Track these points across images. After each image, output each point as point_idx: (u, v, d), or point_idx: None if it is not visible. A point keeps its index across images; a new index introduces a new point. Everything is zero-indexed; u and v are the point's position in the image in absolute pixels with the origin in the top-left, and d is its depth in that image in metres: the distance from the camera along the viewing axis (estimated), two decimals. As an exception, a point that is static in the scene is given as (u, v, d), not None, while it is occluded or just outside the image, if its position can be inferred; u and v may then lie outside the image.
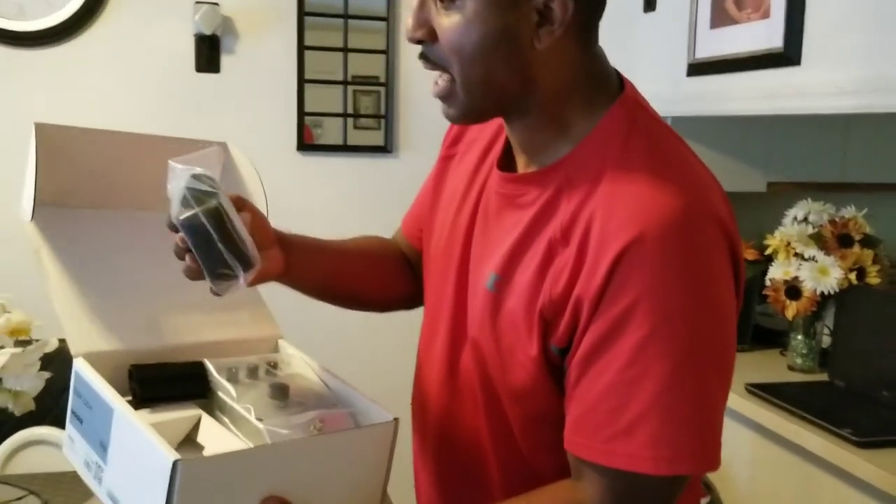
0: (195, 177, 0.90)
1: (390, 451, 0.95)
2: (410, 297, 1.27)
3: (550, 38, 0.91)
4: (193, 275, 0.95)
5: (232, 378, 1.02)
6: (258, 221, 1.02)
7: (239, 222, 0.92)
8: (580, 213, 0.92)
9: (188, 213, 0.90)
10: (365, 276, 1.27)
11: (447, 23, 0.92)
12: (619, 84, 1.01)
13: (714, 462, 0.90)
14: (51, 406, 1.55)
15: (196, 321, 1.09)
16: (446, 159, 1.18)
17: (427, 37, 0.94)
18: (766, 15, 2.02)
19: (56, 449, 1.72)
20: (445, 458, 1.11)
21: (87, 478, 0.96)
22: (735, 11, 2.15)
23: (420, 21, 0.94)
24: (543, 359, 0.95)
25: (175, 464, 0.81)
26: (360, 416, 0.99)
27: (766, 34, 2.01)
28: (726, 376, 0.93)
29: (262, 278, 1.03)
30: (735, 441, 2.08)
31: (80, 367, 0.99)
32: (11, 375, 1.33)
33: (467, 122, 1.07)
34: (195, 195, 0.90)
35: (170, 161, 0.92)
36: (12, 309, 1.38)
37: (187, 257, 0.94)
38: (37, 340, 1.37)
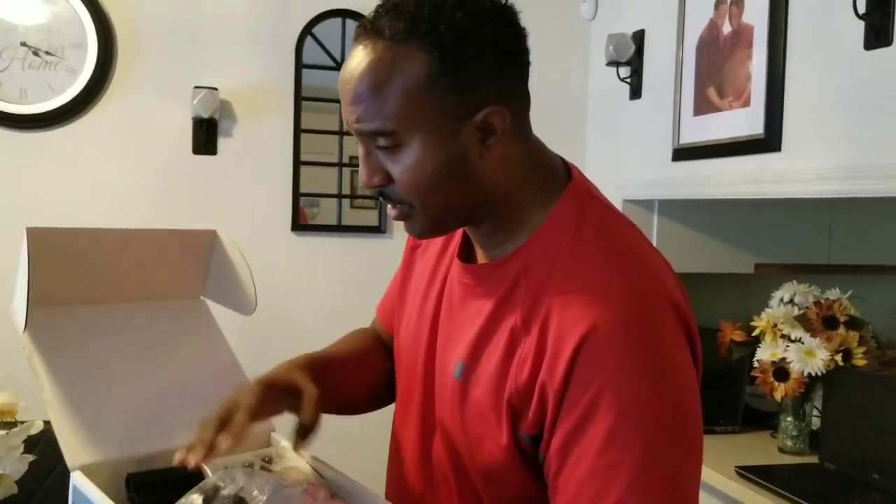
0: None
1: None
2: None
3: (496, 147, 0.95)
4: None
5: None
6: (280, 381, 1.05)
7: None
8: (539, 303, 0.95)
9: None
10: (358, 386, 1.25)
11: (398, 167, 0.94)
12: (566, 171, 1.04)
13: None
14: (34, 489, 1.54)
15: (188, 419, 1.09)
16: (412, 249, 1.21)
17: (384, 181, 0.97)
18: (746, 103, 2.08)
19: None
20: None
21: None
22: (717, 99, 2.21)
23: (373, 168, 0.96)
24: (514, 446, 0.97)
25: None
26: None
27: (748, 121, 2.07)
28: (696, 449, 0.95)
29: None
30: (726, 525, 2.06)
31: (79, 481, 0.99)
32: (-6, 458, 1.32)
33: (430, 237, 1.10)
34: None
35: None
36: (-1, 390, 1.39)
37: None
38: (22, 422, 1.36)
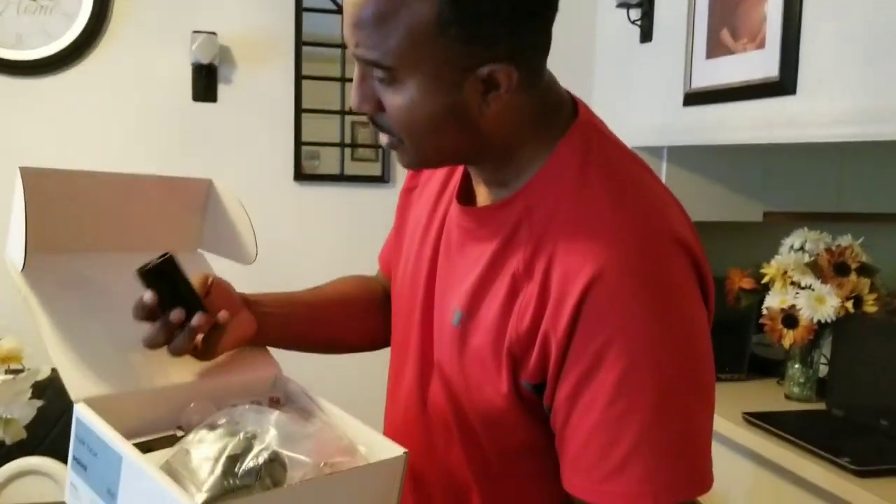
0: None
1: (400, 485, 0.94)
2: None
3: (498, 103, 0.90)
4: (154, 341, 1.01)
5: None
6: (221, 289, 1.07)
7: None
8: (542, 246, 0.91)
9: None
10: (340, 322, 1.26)
11: (392, 101, 0.90)
12: (573, 108, 0.99)
13: (707, 485, 0.91)
14: (43, 436, 1.53)
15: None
16: (408, 191, 1.18)
17: (374, 111, 0.92)
18: (761, 45, 2.03)
19: (49, 480, 1.70)
20: (423, 494, 1.08)
21: None
22: (731, 42, 2.16)
23: (364, 94, 0.92)
24: (515, 394, 0.95)
25: None
26: (367, 451, 0.97)
27: (762, 64, 2.02)
28: (709, 396, 0.93)
29: (236, 342, 1.07)
30: (732, 471, 2.06)
31: (82, 412, 0.96)
32: (2, 403, 1.31)
33: (422, 169, 1.08)
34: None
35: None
36: (3, 336, 1.37)
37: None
38: (28, 369, 1.35)
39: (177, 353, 1.01)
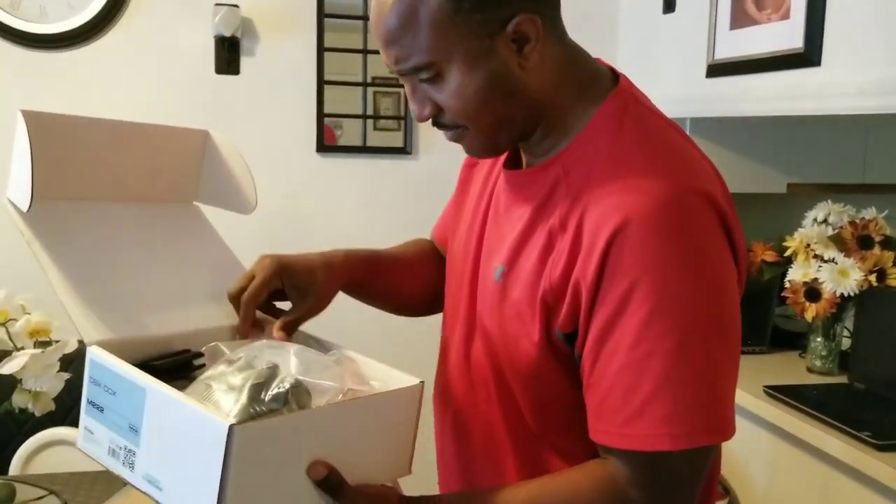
0: None
1: (417, 413, 0.98)
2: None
3: (534, 54, 0.95)
4: None
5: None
6: (297, 271, 1.11)
7: None
8: (577, 202, 0.95)
9: None
10: (403, 286, 1.31)
11: (444, 95, 0.96)
12: (613, 78, 1.04)
13: (729, 432, 0.93)
14: (70, 406, 1.56)
15: (195, 310, 1.10)
16: (469, 167, 1.23)
17: (434, 112, 0.99)
18: (786, 15, 2.01)
19: (76, 449, 1.74)
20: (464, 443, 1.13)
21: (116, 466, 0.94)
22: (755, 12, 2.14)
23: (422, 101, 0.99)
24: (547, 343, 0.98)
25: (231, 429, 0.81)
26: (382, 384, 1.00)
27: (787, 35, 2.00)
28: (734, 345, 0.95)
29: (315, 310, 1.13)
30: (753, 443, 2.07)
31: (98, 354, 0.97)
32: (31, 376, 1.34)
33: (488, 156, 1.10)
34: None
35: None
36: (32, 310, 1.39)
37: None
38: (56, 341, 1.38)
39: None
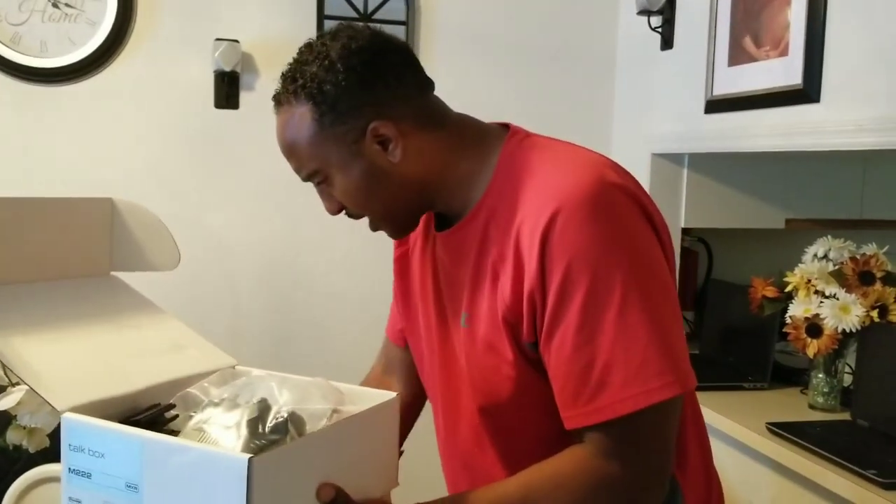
0: None
1: (397, 425, 1.07)
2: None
3: (402, 150, 1.07)
4: None
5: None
6: None
7: None
8: (508, 230, 1.05)
9: None
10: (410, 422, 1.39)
11: (337, 195, 1.10)
12: (504, 127, 1.15)
13: (689, 381, 1.01)
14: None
15: (152, 364, 1.10)
16: (399, 259, 1.30)
17: (339, 207, 1.13)
18: (784, 52, 2.02)
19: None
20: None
21: None
22: (753, 49, 2.15)
23: (328, 200, 1.13)
24: (522, 359, 1.07)
25: (250, 461, 0.82)
26: (356, 405, 1.03)
27: (785, 71, 2.01)
28: (672, 305, 1.03)
29: None
30: (755, 481, 2.04)
31: (76, 419, 0.94)
32: (27, 412, 1.32)
33: (405, 235, 1.20)
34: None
35: None
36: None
37: None
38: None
39: None
